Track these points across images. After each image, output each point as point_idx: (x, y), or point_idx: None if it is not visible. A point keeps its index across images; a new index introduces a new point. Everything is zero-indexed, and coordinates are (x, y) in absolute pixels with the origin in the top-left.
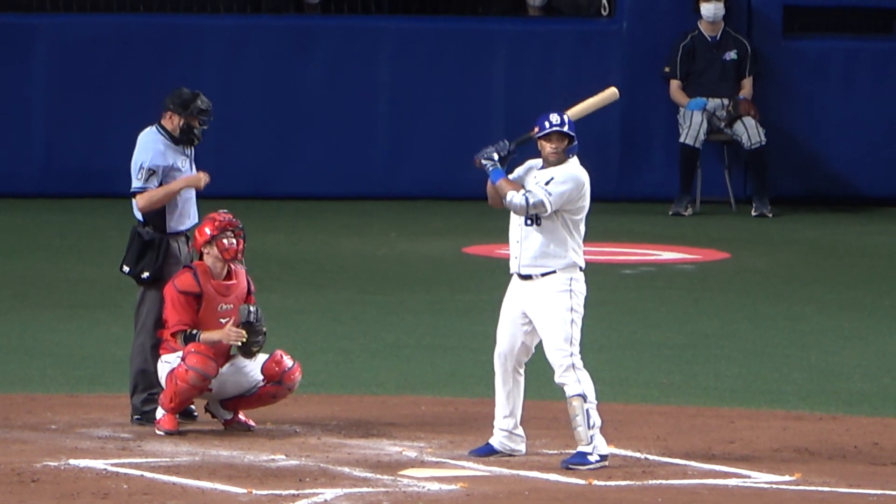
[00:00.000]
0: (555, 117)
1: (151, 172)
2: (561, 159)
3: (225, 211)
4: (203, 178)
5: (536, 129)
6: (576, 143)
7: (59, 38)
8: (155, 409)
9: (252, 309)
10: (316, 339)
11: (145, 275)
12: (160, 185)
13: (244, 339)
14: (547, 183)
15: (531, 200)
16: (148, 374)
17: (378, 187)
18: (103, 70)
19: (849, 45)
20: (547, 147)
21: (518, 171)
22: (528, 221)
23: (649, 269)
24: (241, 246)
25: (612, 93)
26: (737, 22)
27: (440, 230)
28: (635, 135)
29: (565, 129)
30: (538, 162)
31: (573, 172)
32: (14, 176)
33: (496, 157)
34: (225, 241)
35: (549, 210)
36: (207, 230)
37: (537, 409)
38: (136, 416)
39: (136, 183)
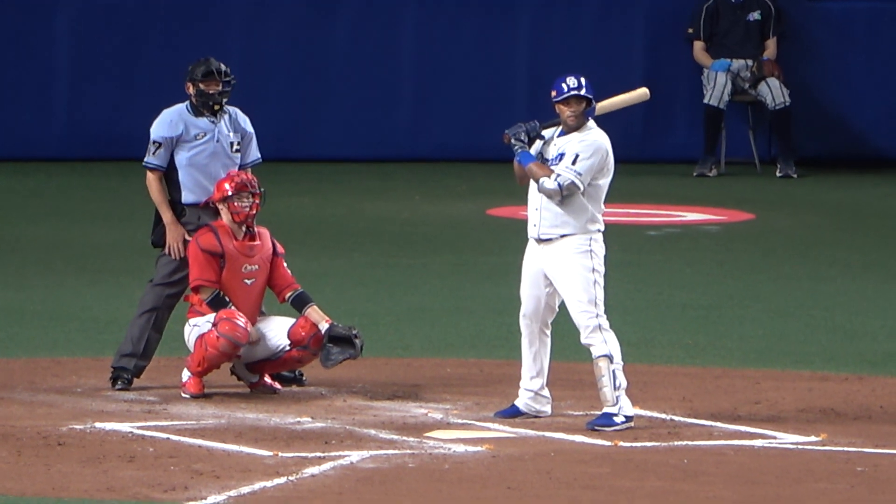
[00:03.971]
0: (571, 80)
1: (158, 146)
2: (580, 122)
3: (248, 173)
4: (177, 239)
5: (554, 94)
6: (594, 104)
7: (82, 2)
8: (121, 367)
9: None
10: (341, 303)
11: (152, 238)
12: (172, 153)
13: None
14: (573, 162)
15: (563, 184)
16: (126, 333)
17: (402, 150)
18: (126, 34)
19: (873, 7)
20: (566, 111)
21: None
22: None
23: (674, 230)
24: (254, 211)
25: (643, 93)
26: None
27: (464, 193)
28: (659, 96)
29: (583, 92)
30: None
31: (597, 142)
32: (37, 140)
33: (525, 137)
34: (237, 202)
35: (582, 188)
36: (226, 186)
37: (563, 370)
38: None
39: (146, 157)
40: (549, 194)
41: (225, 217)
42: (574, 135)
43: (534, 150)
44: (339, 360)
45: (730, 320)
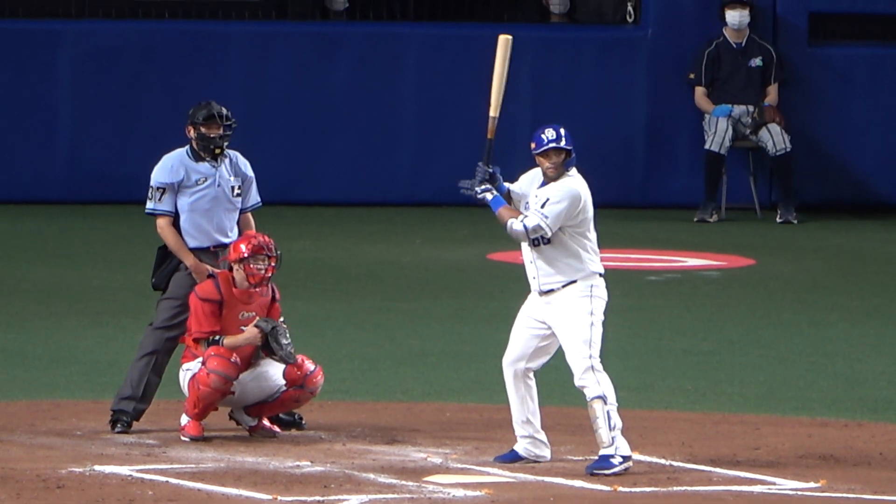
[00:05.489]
0: (550, 132)
1: (161, 191)
2: (560, 173)
3: (265, 235)
4: (200, 272)
5: (533, 145)
6: (573, 155)
7: (83, 44)
8: (120, 410)
9: (268, 323)
10: (341, 347)
11: (152, 281)
12: (176, 199)
13: (261, 343)
14: (542, 205)
15: (529, 226)
16: (126, 376)
17: (403, 194)
18: (128, 77)
19: (874, 53)
20: (545, 163)
21: (521, 181)
22: (536, 242)
23: (674, 275)
24: (269, 273)
25: (504, 40)
26: (762, 29)
27: (465, 237)
28: (660, 141)
29: (562, 143)
30: (539, 173)
31: (568, 188)
32: (39, 182)
33: (484, 185)
34: (253, 264)
35: (549, 232)
36: (242, 247)
37: (562, 415)
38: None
39: (148, 203)
40: (516, 236)
41: (238, 277)
42: (552, 184)
43: (518, 185)
44: (286, 344)
45: (730, 366)
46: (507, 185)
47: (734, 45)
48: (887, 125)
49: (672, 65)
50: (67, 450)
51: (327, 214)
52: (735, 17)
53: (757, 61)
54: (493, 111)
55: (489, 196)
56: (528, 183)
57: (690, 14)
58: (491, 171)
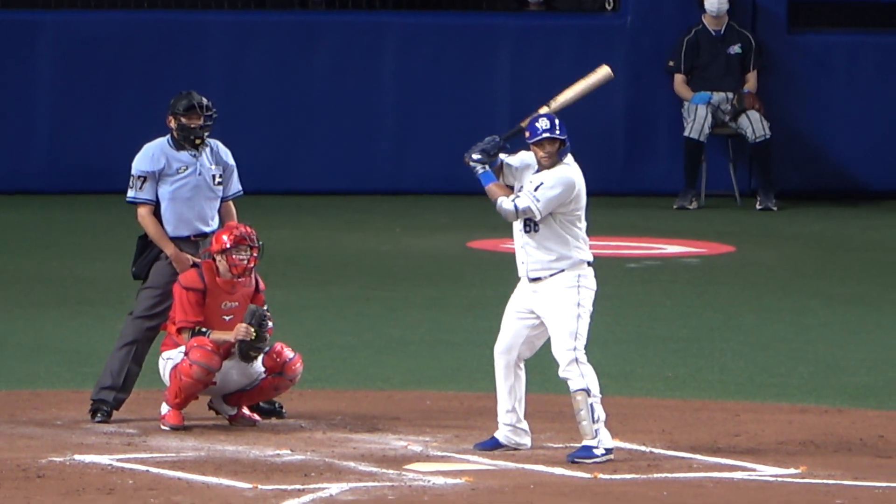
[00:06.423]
0: (544, 122)
1: (142, 180)
2: (554, 162)
3: (247, 226)
4: (181, 261)
5: (528, 134)
6: (568, 144)
7: (63, 34)
8: (100, 399)
9: (258, 313)
10: (321, 335)
11: (133, 270)
12: (157, 187)
13: (253, 337)
14: (536, 188)
15: (520, 207)
16: (106, 366)
17: (382, 183)
18: (107, 66)
19: (853, 40)
20: (539, 152)
21: (520, 156)
22: (528, 228)
23: (654, 262)
24: (251, 263)
25: (605, 73)
26: (741, 16)
27: (445, 225)
28: (640, 129)
29: (556, 133)
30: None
31: (563, 175)
32: (18, 173)
33: (485, 156)
34: (235, 255)
35: (538, 216)
36: (225, 238)
37: (542, 402)
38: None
39: (129, 192)
40: (505, 215)
41: (221, 267)
42: (547, 171)
43: (515, 161)
44: (261, 347)
45: (710, 353)
46: (502, 156)
47: (713, 33)
48: (866, 112)
49: (651, 52)
50: (47, 439)
51: (307, 203)
52: (714, 4)
53: (736, 48)
54: (549, 108)
55: (480, 169)
56: (522, 162)
57: (669, 1)
58: (501, 145)
